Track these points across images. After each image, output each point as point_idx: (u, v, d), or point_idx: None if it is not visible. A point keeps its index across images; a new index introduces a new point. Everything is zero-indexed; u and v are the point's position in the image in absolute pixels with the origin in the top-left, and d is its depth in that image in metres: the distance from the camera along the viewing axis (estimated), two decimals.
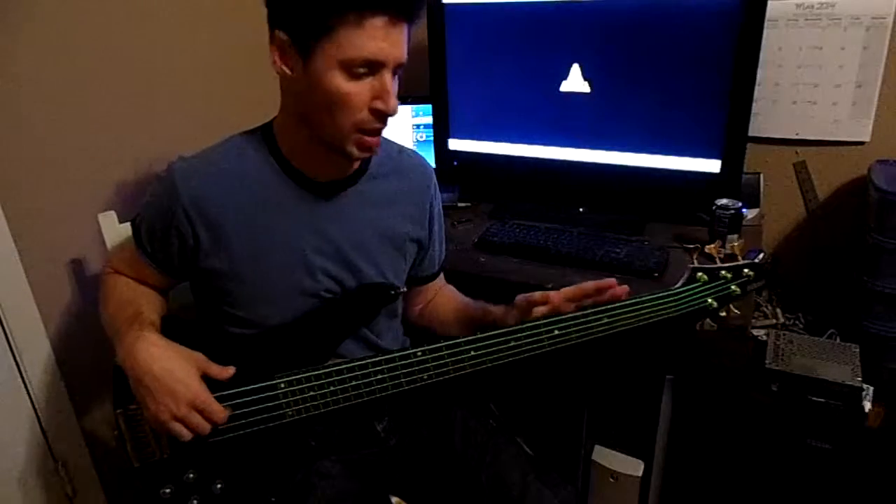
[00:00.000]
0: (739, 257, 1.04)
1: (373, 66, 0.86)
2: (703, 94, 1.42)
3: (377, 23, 0.84)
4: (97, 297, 1.06)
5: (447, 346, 0.95)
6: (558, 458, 1.55)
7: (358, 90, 0.87)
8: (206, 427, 0.88)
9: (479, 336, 0.96)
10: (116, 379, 0.94)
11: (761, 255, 1.04)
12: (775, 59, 1.55)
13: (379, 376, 0.94)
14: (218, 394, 0.91)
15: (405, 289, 1.11)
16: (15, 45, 1.18)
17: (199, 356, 0.91)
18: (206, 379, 0.90)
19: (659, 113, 1.48)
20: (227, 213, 0.96)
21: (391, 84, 0.88)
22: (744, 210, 1.41)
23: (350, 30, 0.83)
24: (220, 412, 0.89)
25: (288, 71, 0.89)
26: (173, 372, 0.87)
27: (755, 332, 1.50)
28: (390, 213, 1.07)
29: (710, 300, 1.01)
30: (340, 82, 0.86)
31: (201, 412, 0.87)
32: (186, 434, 0.87)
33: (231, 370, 0.93)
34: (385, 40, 0.85)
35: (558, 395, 1.55)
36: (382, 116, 0.90)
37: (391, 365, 0.94)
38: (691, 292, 1.01)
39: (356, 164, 1.02)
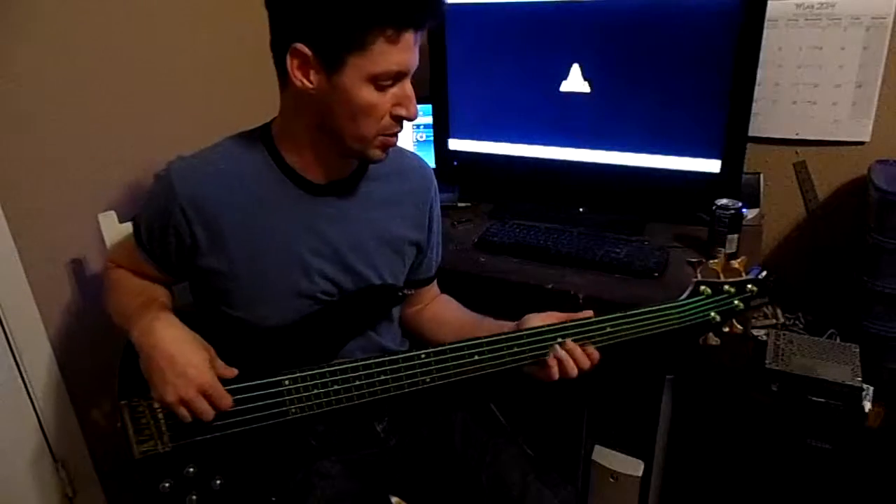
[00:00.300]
0: (743, 273, 1.05)
1: (398, 77, 0.89)
2: (703, 94, 1.42)
3: (409, 37, 0.86)
4: (99, 294, 1.07)
5: (451, 349, 0.96)
6: (558, 458, 1.55)
7: (382, 100, 0.89)
8: (210, 413, 0.89)
9: (483, 340, 0.96)
10: (122, 370, 0.95)
11: (763, 273, 1.05)
12: (775, 59, 1.55)
13: (382, 377, 0.95)
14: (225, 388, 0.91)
15: (412, 291, 1.11)
16: (15, 45, 1.18)
17: (211, 348, 0.93)
18: None
19: (659, 113, 1.48)
20: (225, 213, 0.96)
21: (412, 91, 0.91)
22: (744, 210, 1.41)
23: (385, 45, 0.85)
24: (226, 399, 0.91)
25: (308, 84, 0.88)
26: (187, 355, 0.89)
27: (755, 332, 1.50)
28: (389, 214, 1.07)
29: (713, 313, 1.02)
30: (368, 94, 0.88)
31: (209, 398, 0.89)
32: (189, 417, 0.89)
33: (235, 372, 0.94)
34: (411, 52, 0.88)
35: (559, 397, 1.55)
36: (402, 121, 0.93)
37: (395, 366, 0.95)
38: (694, 305, 1.02)
39: (356, 165, 1.03)
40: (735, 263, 1.05)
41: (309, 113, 0.93)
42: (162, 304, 0.98)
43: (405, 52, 0.87)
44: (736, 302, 1.04)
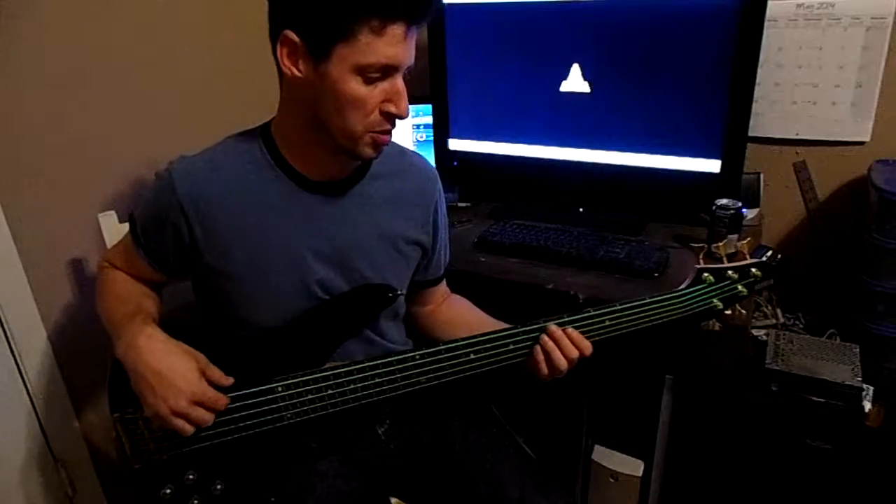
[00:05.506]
0: (747, 256, 1.02)
1: (387, 71, 0.87)
2: (703, 94, 1.42)
3: (398, 30, 0.84)
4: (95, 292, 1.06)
5: (446, 349, 0.95)
6: (558, 458, 1.55)
7: (371, 94, 0.88)
8: (207, 419, 0.88)
9: (478, 339, 0.95)
10: (113, 382, 0.94)
11: (769, 254, 1.02)
12: (775, 59, 1.55)
13: (377, 379, 0.94)
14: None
15: (402, 292, 1.09)
16: (15, 45, 1.18)
17: (201, 356, 0.91)
18: None
19: (659, 113, 1.48)
20: (225, 213, 0.96)
21: (403, 88, 0.89)
22: (744, 210, 1.41)
23: (371, 36, 0.83)
24: (221, 399, 0.89)
25: (297, 72, 0.88)
26: (175, 366, 0.87)
27: (755, 332, 1.50)
28: (392, 214, 1.06)
29: (715, 301, 1.00)
30: (355, 86, 0.86)
31: (202, 404, 0.88)
32: (188, 428, 0.87)
33: (231, 380, 0.92)
34: (401, 46, 0.86)
35: (559, 395, 1.55)
36: (393, 119, 0.91)
37: (389, 368, 0.94)
38: (697, 294, 1.00)
39: (356, 164, 1.02)
40: (740, 245, 1.02)
41: (301, 104, 0.92)
42: (147, 315, 0.95)
43: (393, 45, 0.85)
44: (739, 287, 1.00)
